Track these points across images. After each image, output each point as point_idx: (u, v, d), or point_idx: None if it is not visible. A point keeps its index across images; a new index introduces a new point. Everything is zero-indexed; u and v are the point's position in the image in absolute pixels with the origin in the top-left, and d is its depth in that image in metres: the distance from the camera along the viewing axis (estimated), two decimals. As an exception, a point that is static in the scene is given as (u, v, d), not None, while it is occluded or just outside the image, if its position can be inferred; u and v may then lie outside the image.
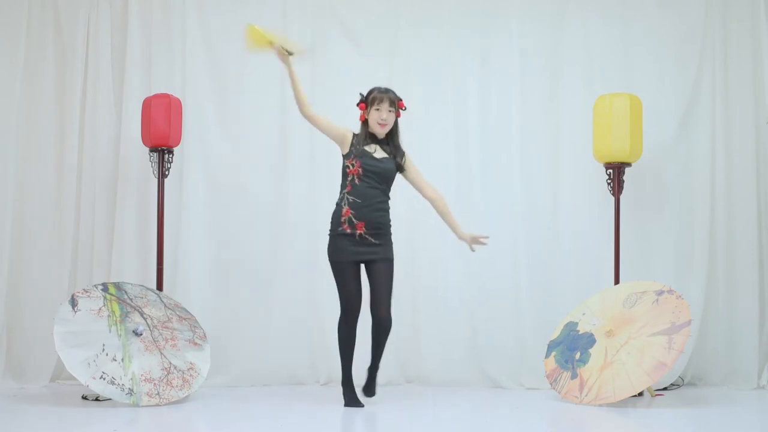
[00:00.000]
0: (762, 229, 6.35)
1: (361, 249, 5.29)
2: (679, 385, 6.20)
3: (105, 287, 5.62)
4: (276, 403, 5.61)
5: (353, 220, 5.28)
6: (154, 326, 5.59)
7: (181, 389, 5.45)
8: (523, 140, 6.38)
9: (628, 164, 6.06)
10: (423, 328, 6.31)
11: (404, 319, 6.18)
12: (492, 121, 6.41)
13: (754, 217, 6.31)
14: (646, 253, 6.32)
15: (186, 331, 5.69)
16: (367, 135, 5.38)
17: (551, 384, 5.70)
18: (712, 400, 5.79)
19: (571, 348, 5.71)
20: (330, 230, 5.37)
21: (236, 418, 5.17)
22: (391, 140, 5.41)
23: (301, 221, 6.32)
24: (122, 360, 5.37)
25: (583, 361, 5.60)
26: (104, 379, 5.27)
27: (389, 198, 5.40)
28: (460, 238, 5.47)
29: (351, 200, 5.29)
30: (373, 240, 5.29)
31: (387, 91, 5.37)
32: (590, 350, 5.63)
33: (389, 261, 5.35)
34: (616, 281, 6.04)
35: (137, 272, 6.20)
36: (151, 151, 6.05)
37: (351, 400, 5.40)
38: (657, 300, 5.64)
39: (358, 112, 5.43)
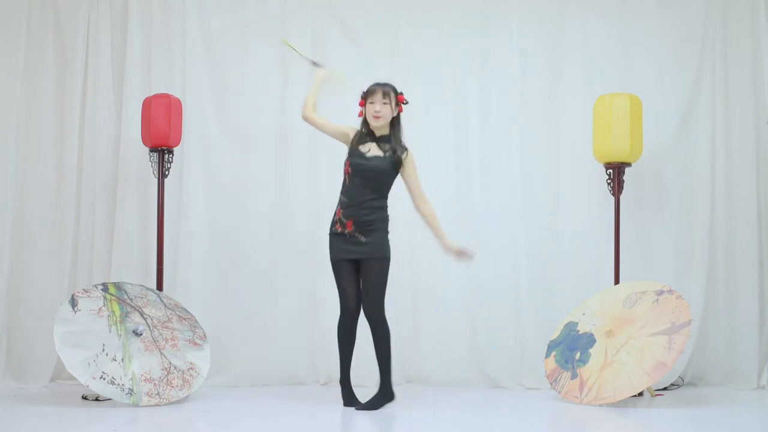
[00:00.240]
0: (762, 229, 6.35)
1: (351, 248, 5.32)
2: (679, 385, 6.20)
3: (105, 287, 5.62)
4: (276, 403, 5.60)
5: (343, 219, 5.32)
6: (154, 326, 5.59)
7: (181, 389, 5.45)
8: (523, 140, 6.38)
9: (628, 164, 6.06)
10: (423, 328, 6.31)
11: (404, 319, 6.19)
12: (492, 121, 6.41)
13: (754, 217, 6.31)
14: (646, 253, 6.32)
15: (186, 331, 5.69)
16: (365, 132, 5.40)
17: (551, 384, 5.70)
18: (712, 400, 5.79)
19: (571, 348, 5.71)
20: (329, 230, 5.41)
21: (236, 418, 5.17)
22: (393, 137, 5.40)
23: (301, 221, 6.32)
24: (122, 360, 5.37)
25: (583, 361, 5.60)
26: (104, 379, 5.27)
27: (384, 197, 5.38)
28: (446, 249, 5.42)
29: (342, 199, 5.35)
30: (362, 238, 5.30)
31: (383, 84, 5.38)
32: (590, 350, 5.63)
33: (382, 260, 5.33)
34: (616, 281, 6.04)
35: (137, 272, 6.20)
36: (151, 151, 6.05)
37: (348, 399, 5.41)
38: (657, 300, 5.64)
39: (357, 112, 5.45)
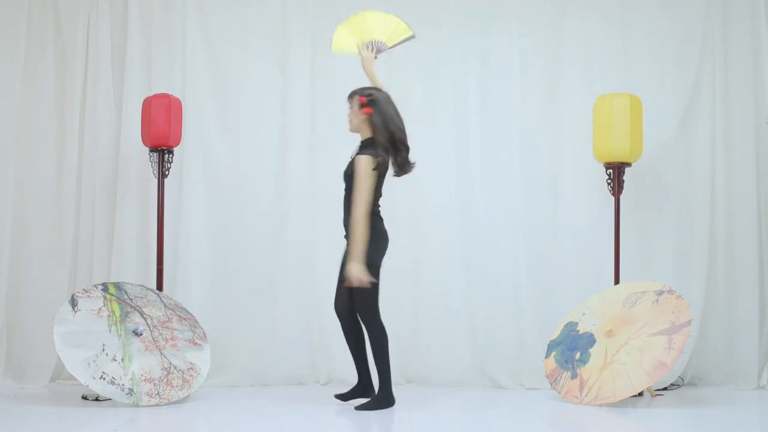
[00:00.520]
0: (762, 229, 6.34)
1: (344, 254, 5.32)
2: (679, 385, 6.20)
3: (105, 287, 5.62)
4: (276, 403, 5.60)
5: (344, 226, 5.33)
6: (154, 326, 5.59)
7: (181, 389, 5.45)
8: (523, 140, 6.38)
9: (628, 164, 6.06)
10: (423, 328, 6.31)
11: (404, 319, 6.19)
12: (492, 121, 6.41)
13: (754, 217, 6.31)
14: (646, 253, 6.32)
15: (186, 331, 5.69)
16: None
17: (551, 384, 5.70)
18: (712, 400, 5.79)
19: (571, 348, 5.71)
20: None
21: (236, 418, 5.17)
22: (376, 140, 5.25)
23: (301, 221, 6.32)
24: (122, 360, 5.37)
25: (583, 361, 5.60)
26: (104, 379, 5.27)
27: None
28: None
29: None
30: (347, 240, 5.30)
31: (351, 91, 5.35)
32: (590, 350, 5.63)
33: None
34: (616, 281, 6.04)
35: (137, 272, 6.20)
36: (151, 151, 6.05)
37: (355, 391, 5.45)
38: (657, 300, 5.64)
39: (356, 112, 5.46)
